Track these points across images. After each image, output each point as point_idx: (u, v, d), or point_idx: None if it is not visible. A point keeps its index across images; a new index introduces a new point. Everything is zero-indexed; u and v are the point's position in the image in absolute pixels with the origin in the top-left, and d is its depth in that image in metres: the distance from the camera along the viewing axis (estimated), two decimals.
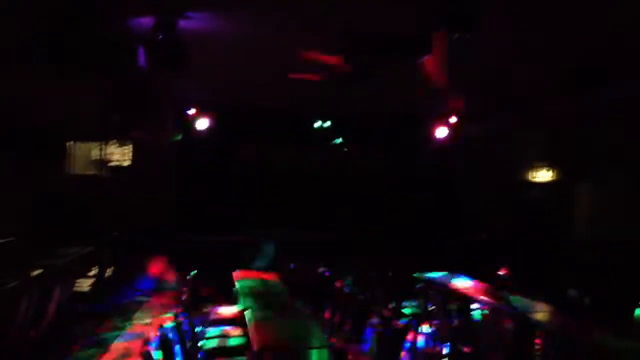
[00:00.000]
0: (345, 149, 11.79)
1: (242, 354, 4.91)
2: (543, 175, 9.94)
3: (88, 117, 8.58)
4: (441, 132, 10.54)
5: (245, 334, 4.96)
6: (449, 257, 8.99)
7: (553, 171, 9.72)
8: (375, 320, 5.26)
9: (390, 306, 6.26)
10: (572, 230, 9.10)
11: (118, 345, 6.46)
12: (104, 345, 6.40)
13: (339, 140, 11.57)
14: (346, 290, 6.15)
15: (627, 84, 7.81)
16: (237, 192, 11.34)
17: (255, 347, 4.11)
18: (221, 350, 5.05)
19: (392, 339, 4.34)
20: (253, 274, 7.44)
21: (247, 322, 4.77)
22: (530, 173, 10.17)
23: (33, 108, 8.07)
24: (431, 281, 6.68)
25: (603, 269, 7.65)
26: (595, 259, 8.05)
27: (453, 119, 10.44)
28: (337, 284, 6.37)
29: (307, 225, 10.72)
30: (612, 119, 8.32)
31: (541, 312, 5.32)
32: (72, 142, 9.18)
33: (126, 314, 7.70)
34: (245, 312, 5.02)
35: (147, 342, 4.84)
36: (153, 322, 7.28)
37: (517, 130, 10.49)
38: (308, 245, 9.90)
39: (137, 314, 7.80)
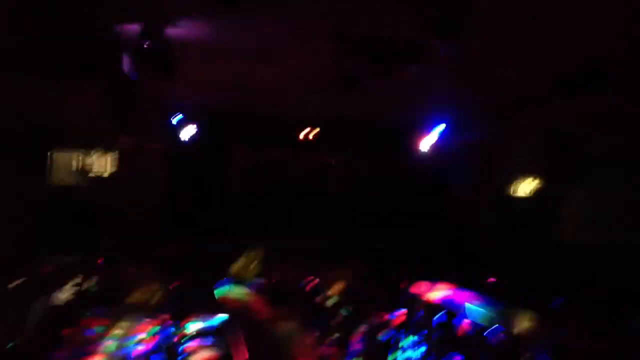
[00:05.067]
0: (332, 161, 11.70)
1: None
2: (532, 182, 9.94)
3: (74, 124, 8.47)
4: (431, 138, 10.49)
5: (227, 348, 4.87)
6: (439, 266, 8.90)
7: (542, 177, 9.73)
8: (359, 334, 5.18)
9: (375, 318, 6.18)
10: (562, 235, 9.09)
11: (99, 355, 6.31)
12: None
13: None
14: (329, 304, 6.07)
15: (615, 90, 7.82)
16: (226, 200, 11.23)
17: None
18: None
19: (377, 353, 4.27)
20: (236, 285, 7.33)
21: (229, 335, 4.68)
22: (520, 180, 10.16)
23: (18, 115, 7.98)
24: (418, 291, 6.62)
25: (592, 274, 7.63)
26: (585, 264, 8.03)
27: (442, 126, 10.40)
28: (319, 299, 6.29)
29: (294, 234, 10.62)
30: (599, 124, 8.34)
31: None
32: (54, 152, 9.04)
33: (108, 323, 7.53)
34: (227, 325, 4.93)
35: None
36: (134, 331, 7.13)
37: (507, 137, 10.47)
38: (294, 253, 9.78)
39: (118, 324, 7.64)
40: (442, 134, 10.57)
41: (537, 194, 10.05)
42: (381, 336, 5.21)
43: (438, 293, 6.43)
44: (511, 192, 10.54)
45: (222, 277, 8.13)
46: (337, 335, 5.28)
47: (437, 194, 11.94)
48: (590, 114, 8.48)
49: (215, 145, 11.10)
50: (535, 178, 10.09)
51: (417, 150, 11.09)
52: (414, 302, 6.38)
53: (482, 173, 11.09)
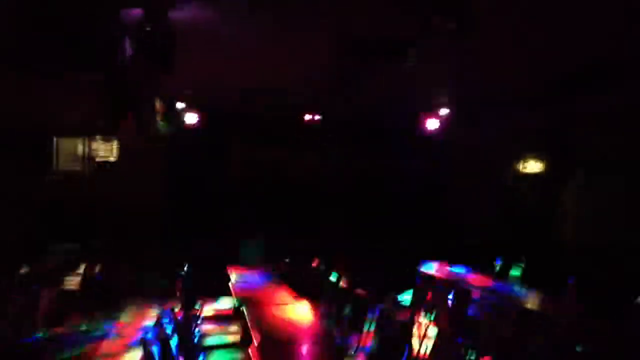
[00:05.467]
0: (331, 150, 11.67)
1: (239, 349, 4.82)
2: (532, 175, 9.99)
3: (73, 113, 8.40)
4: (431, 125, 10.43)
5: (244, 329, 4.88)
6: (443, 251, 8.96)
7: (541, 172, 9.79)
8: (374, 313, 5.19)
9: (388, 299, 6.21)
10: (561, 235, 9.16)
11: (109, 341, 6.32)
12: (94, 342, 6.26)
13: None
14: (342, 284, 6.09)
15: (615, 91, 7.85)
16: (227, 192, 11.19)
17: (256, 341, 4.04)
18: (219, 346, 4.96)
19: (394, 332, 4.30)
20: (246, 269, 7.36)
21: (246, 317, 4.69)
22: (519, 174, 10.21)
23: (17, 107, 7.90)
24: (428, 273, 6.66)
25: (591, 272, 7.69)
26: (584, 262, 8.09)
27: (443, 113, 10.36)
28: (333, 278, 6.32)
29: (297, 225, 10.63)
30: (598, 123, 8.40)
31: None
32: (57, 139, 8.98)
33: (115, 311, 7.55)
34: (243, 307, 4.94)
35: (144, 335, 4.74)
36: (144, 317, 7.16)
37: (507, 133, 10.47)
38: (298, 243, 9.82)
39: (126, 311, 7.66)
40: (441, 131, 10.55)
41: (536, 192, 10.10)
42: (395, 316, 5.23)
43: (449, 273, 6.49)
44: (510, 190, 10.59)
45: (225, 265, 8.21)
46: (353, 313, 5.29)
47: (435, 191, 11.98)
48: (590, 114, 8.54)
49: (216, 137, 11.02)
50: (534, 176, 10.13)
51: (415, 147, 11.11)
52: (426, 283, 6.43)
53: (481, 171, 11.11)
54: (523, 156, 10.22)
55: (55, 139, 8.95)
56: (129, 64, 6.71)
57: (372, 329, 4.90)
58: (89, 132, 9.31)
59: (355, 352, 4.86)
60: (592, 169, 8.69)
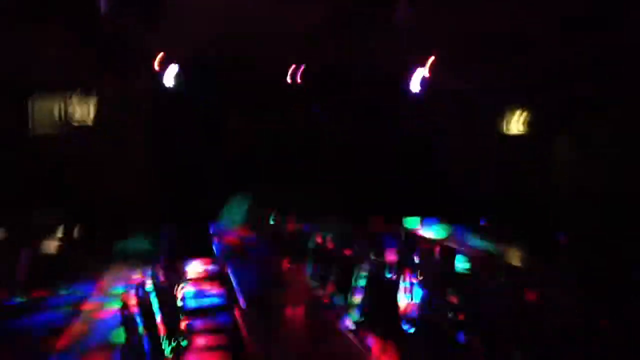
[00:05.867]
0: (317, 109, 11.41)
1: (225, 312, 4.73)
2: (522, 129, 9.85)
3: (49, 65, 8.00)
4: (418, 76, 10.17)
5: (228, 291, 4.79)
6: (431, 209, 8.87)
7: (532, 125, 9.65)
8: (361, 272, 5.13)
9: (373, 258, 6.14)
10: (552, 185, 9.11)
11: (91, 304, 6.20)
12: (76, 304, 6.14)
13: None
14: (327, 244, 6.01)
15: (611, 35, 7.66)
16: (210, 152, 10.93)
17: (242, 305, 3.95)
18: (204, 309, 4.85)
19: (385, 290, 4.25)
20: (231, 229, 7.25)
21: (231, 279, 4.59)
22: (510, 127, 10.07)
23: None
24: (413, 231, 6.61)
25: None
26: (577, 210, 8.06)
27: (430, 63, 10.08)
28: (318, 239, 6.23)
29: (282, 185, 10.44)
30: (595, 71, 8.20)
31: None
32: (34, 101, 8.60)
33: (95, 274, 7.40)
34: (227, 269, 4.84)
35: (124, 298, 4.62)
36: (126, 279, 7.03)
37: (498, 83, 10.26)
38: (283, 203, 9.66)
39: (107, 274, 7.52)
40: (431, 78, 10.29)
41: (527, 139, 9.99)
42: (384, 276, 5.18)
43: (433, 232, 6.44)
44: (501, 138, 10.47)
45: (210, 224, 8.07)
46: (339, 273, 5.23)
47: (425, 141, 11.80)
48: (586, 58, 8.34)
49: (201, 95, 10.69)
50: (525, 123, 10.00)
51: (405, 97, 10.86)
52: (412, 243, 6.37)
53: (472, 119, 10.94)
54: (516, 107, 10.05)
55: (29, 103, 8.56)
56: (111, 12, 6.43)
57: (360, 288, 4.85)
58: (66, 88, 8.93)
59: (343, 312, 4.81)
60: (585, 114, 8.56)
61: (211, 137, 10.87)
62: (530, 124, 9.71)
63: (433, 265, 5.71)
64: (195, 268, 6.05)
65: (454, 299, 5.28)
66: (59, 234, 7.36)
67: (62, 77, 8.43)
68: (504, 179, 9.76)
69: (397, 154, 11.36)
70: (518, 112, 9.80)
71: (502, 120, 10.11)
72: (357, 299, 4.81)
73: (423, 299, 5.19)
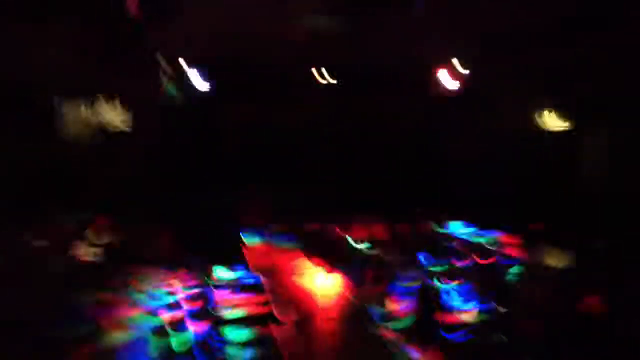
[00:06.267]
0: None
1: (260, 323, 4.49)
2: (550, 123, 9.51)
3: (73, 71, 7.94)
4: (442, 76, 9.93)
5: (263, 300, 4.58)
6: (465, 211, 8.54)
7: (561, 118, 9.30)
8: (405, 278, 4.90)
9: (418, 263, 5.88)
10: (581, 181, 8.76)
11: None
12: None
13: None
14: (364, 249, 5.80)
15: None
16: (231, 151, 10.77)
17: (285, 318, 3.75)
18: (238, 320, 4.58)
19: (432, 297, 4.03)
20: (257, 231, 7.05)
21: (266, 288, 4.40)
22: (536, 121, 9.71)
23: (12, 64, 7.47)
24: (455, 236, 6.35)
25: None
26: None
27: (454, 62, 9.82)
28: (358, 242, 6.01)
29: (304, 183, 10.20)
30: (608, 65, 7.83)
31: None
32: (59, 102, 8.56)
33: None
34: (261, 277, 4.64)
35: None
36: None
37: (521, 75, 9.88)
38: (305, 203, 9.43)
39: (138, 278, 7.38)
40: (450, 75, 10.01)
41: (553, 136, 9.64)
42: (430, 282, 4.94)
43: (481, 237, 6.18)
44: (518, 135, 10.12)
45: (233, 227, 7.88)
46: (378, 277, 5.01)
47: (439, 140, 11.44)
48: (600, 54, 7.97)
49: (219, 94, 10.54)
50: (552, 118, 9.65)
51: (422, 93, 10.57)
52: (453, 246, 6.12)
53: (492, 115, 10.56)
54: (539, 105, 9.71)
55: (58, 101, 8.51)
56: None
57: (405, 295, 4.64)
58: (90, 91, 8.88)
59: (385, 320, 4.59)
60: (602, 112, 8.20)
61: (237, 138, 10.74)
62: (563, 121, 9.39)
63: (482, 271, 5.45)
64: (227, 275, 5.84)
65: (505, 306, 5.03)
66: (88, 240, 7.27)
67: (83, 80, 8.37)
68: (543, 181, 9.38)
69: (433, 156, 11.00)
70: (549, 111, 9.46)
71: (535, 119, 9.79)
72: (402, 306, 4.60)
73: (472, 306, 4.94)
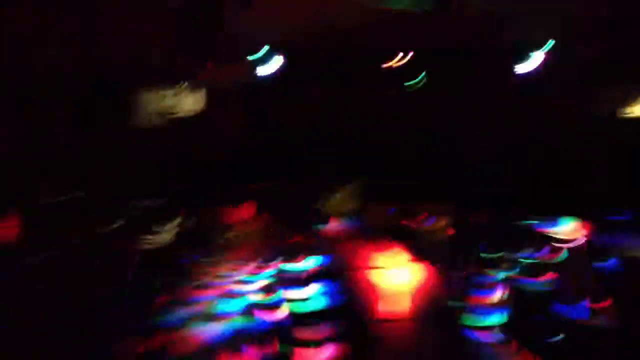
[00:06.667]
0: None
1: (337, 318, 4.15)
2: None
3: (152, 57, 7.95)
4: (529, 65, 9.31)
5: (347, 292, 4.27)
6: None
7: None
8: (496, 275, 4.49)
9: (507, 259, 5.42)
10: None
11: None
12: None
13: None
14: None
15: None
16: (306, 139, 10.58)
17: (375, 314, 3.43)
18: (312, 314, 4.25)
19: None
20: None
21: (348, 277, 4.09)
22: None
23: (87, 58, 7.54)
24: (545, 229, 5.83)
25: None
26: None
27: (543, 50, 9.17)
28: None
29: (377, 172, 9.81)
30: None
31: None
32: (135, 93, 8.60)
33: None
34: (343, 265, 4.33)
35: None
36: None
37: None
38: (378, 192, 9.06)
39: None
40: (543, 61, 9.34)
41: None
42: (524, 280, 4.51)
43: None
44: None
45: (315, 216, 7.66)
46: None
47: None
48: None
49: (295, 82, 10.37)
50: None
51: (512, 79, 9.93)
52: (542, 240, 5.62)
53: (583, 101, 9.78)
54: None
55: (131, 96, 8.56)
56: None
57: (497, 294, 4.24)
58: (170, 79, 8.90)
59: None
60: None
61: (310, 124, 10.52)
62: None
63: (577, 268, 4.93)
64: (308, 263, 5.48)
65: (604, 305, 4.52)
66: (168, 226, 7.23)
67: (165, 68, 8.39)
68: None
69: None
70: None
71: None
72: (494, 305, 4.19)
73: (568, 306, 4.45)
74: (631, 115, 8.97)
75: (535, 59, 9.41)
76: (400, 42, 9.51)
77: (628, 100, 9.17)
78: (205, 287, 6.12)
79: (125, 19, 7.16)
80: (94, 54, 7.43)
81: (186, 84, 8.76)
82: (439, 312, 4.32)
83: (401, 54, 9.60)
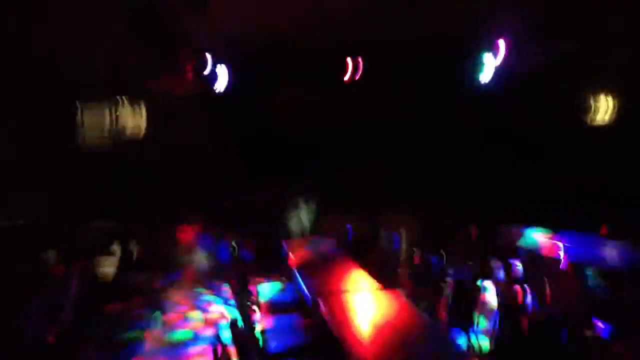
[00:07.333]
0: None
1: (316, 353, 3.72)
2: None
3: (97, 66, 7.34)
4: (490, 60, 8.96)
5: (318, 326, 3.81)
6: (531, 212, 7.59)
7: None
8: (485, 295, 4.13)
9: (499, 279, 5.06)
10: None
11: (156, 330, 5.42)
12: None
13: None
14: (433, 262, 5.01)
15: None
16: (273, 145, 10.01)
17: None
18: (290, 352, 3.79)
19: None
20: (304, 241, 6.32)
21: (323, 310, 3.63)
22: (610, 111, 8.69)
23: (37, 62, 6.95)
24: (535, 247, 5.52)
25: None
26: None
27: (503, 44, 8.82)
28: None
29: (348, 176, 9.35)
30: None
31: None
32: (82, 109, 7.96)
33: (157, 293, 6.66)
34: (316, 295, 3.88)
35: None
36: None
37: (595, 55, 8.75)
38: (350, 199, 8.62)
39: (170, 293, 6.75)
40: (505, 57, 8.98)
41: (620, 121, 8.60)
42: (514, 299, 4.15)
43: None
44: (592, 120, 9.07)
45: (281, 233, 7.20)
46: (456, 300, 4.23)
47: (502, 128, 10.37)
48: None
49: (251, 88, 9.86)
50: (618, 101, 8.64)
51: (475, 78, 9.58)
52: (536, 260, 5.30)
53: (558, 105, 9.49)
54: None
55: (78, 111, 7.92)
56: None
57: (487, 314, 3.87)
58: (115, 89, 8.27)
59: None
60: None
61: (271, 136, 10.02)
62: None
63: (563, 284, 4.62)
64: (271, 291, 5.06)
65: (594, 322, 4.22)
66: (114, 251, 6.63)
67: (110, 77, 7.80)
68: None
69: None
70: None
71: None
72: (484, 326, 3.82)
73: (559, 323, 4.13)
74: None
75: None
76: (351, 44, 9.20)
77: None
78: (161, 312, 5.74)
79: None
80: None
81: (133, 98, 8.22)
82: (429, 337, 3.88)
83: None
